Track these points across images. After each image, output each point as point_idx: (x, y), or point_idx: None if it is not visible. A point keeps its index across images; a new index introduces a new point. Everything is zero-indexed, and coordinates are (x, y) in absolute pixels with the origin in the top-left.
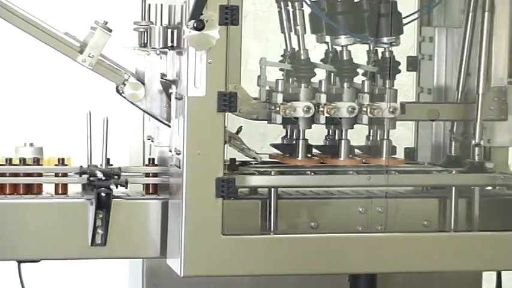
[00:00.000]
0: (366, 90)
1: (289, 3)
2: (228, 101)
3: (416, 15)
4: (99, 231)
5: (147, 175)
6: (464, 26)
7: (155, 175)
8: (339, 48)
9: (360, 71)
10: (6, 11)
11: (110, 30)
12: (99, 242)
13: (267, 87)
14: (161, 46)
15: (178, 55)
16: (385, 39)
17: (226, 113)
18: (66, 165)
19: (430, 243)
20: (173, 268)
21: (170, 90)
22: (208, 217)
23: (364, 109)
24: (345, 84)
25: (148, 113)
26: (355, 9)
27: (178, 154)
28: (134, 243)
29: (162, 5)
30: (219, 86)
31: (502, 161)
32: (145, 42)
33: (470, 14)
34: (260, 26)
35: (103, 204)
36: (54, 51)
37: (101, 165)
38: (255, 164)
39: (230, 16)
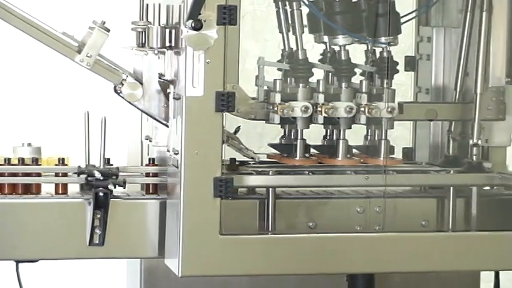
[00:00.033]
0: (364, 90)
1: (287, 3)
2: (226, 101)
3: (414, 15)
4: (97, 231)
5: (147, 175)
6: (462, 25)
7: (155, 175)
8: (337, 48)
9: (358, 70)
10: (4, 11)
11: (108, 30)
12: (97, 242)
13: (265, 87)
14: (159, 46)
15: (176, 55)
16: (383, 39)
17: (224, 113)
18: (67, 165)
19: (428, 243)
20: (171, 268)
21: (168, 90)
22: (206, 217)
23: (362, 109)
24: (343, 84)
25: (146, 113)
26: (353, 9)
27: (176, 154)
28: (132, 243)
29: (160, 4)
30: (217, 86)
31: (500, 161)
32: (143, 42)
33: (468, 13)
34: (258, 26)
35: (101, 204)
36: (52, 51)
37: (101, 165)
38: (253, 163)
39: (228, 16)
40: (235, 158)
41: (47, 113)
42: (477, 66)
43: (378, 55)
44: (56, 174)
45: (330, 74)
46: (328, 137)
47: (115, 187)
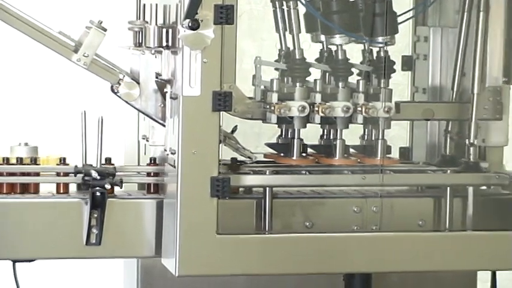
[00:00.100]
0: (360, 90)
1: (284, 3)
2: (223, 101)
3: (411, 15)
4: (94, 230)
5: (148, 174)
6: (459, 25)
7: (156, 174)
8: (333, 48)
9: (355, 70)
10: (1, 10)
11: (105, 30)
12: (94, 241)
13: (262, 87)
14: (156, 45)
15: (173, 54)
16: (380, 39)
17: (221, 113)
18: (68, 164)
19: (425, 242)
20: (168, 268)
21: (165, 90)
22: (203, 216)
23: (359, 109)
24: (340, 84)
25: (143, 113)
26: (350, 9)
27: (173, 153)
28: (129, 242)
29: (157, 4)
30: (214, 86)
31: (497, 161)
32: (140, 41)
33: (466, 13)
34: (255, 25)
35: (98, 204)
36: (49, 51)
37: (98, 164)
38: (250, 163)
39: (225, 15)
40: (236, 158)
41: (43, 113)
42: (474, 66)
43: (374, 55)
44: (58, 174)
45: (327, 73)
46: (325, 137)
47: (111, 187)
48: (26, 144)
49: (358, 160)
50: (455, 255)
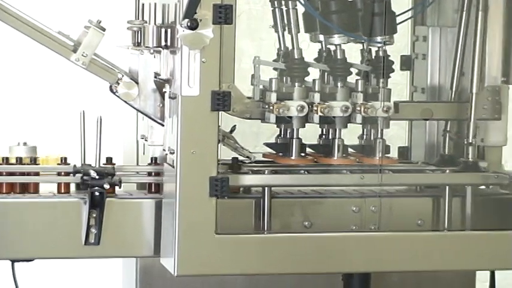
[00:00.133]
0: (359, 90)
1: (283, 2)
2: (221, 100)
3: (410, 14)
4: (93, 230)
5: (149, 174)
6: (458, 25)
7: (156, 174)
8: (332, 47)
9: (354, 70)
10: None
11: (104, 29)
12: (93, 241)
13: (261, 86)
14: (155, 45)
15: (172, 54)
16: (378, 38)
17: (219, 112)
18: (69, 164)
19: (423, 242)
20: (167, 267)
21: (164, 89)
22: (202, 216)
23: (358, 108)
24: (339, 84)
25: (142, 112)
26: (349, 8)
27: (172, 153)
28: (128, 242)
29: (155, 4)
30: (212, 85)
31: (496, 160)
32: (139, 41)
33: (464, 13)
34: (254, 25)
35: (96, 203)
36: (48, 50)
37: (96, 164)
38: (249, 163)
39: (224, 15)
40: (237, 158)
41: (42, 113)
42: (473, 65)
43: (373, 54)
44: (59, 174)
45: (326, 73)
46: (323, 136)
47: (110, 186)
48: (25, 144)
49: (357, 160)
50: (454, 255)
